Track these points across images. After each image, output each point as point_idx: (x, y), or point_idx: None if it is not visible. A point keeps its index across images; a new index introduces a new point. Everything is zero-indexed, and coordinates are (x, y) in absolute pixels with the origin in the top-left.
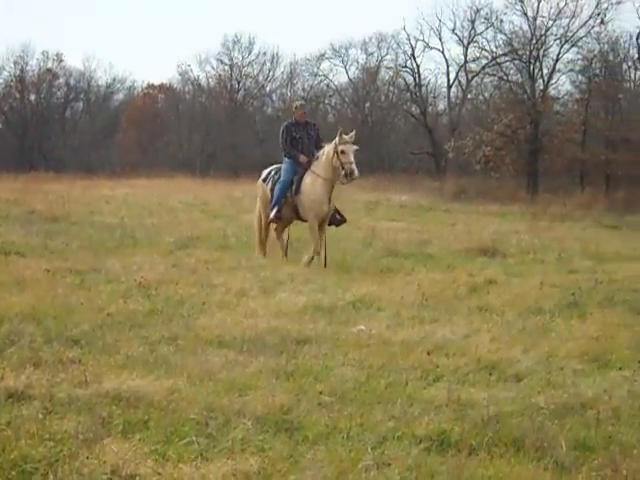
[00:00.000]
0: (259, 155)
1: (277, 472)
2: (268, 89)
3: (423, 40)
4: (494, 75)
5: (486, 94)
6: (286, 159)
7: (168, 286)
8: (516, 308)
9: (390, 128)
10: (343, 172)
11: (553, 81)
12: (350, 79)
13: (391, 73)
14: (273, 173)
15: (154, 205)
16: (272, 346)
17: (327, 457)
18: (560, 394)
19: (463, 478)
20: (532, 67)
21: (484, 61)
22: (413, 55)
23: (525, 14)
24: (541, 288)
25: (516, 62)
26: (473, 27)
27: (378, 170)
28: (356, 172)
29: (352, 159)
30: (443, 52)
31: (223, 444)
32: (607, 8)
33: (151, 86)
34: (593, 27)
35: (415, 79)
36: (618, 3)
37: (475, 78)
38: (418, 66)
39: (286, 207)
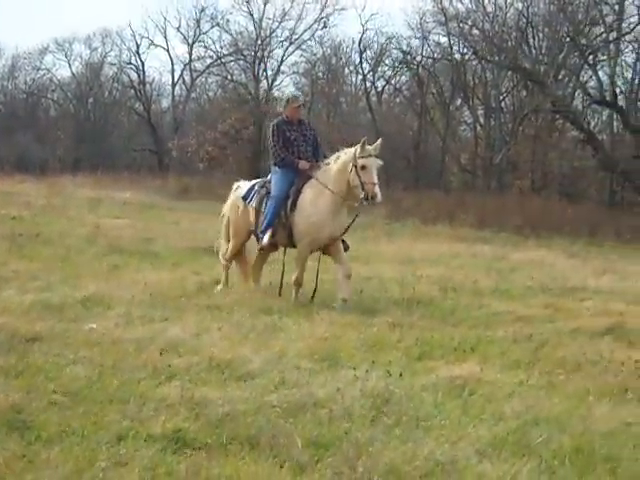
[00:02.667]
0: None
1: (11, 472)
2: None
3: (148, 37)
4: (219, 75)
5: (210, 93)
6: (276, 168)
7: None
8: (245, 307)
9: (113, 125)
10: (362, 194)
11: (277, 82)
12: (73, 74)
13: (115, 69)
14: (258, 187)
15: None
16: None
17: (62, 457)
18: (293, 393)
19: (201, 477)
20: (257, 68)
21: (209, 60)
22: (138, 52)
23: (251, 15)
24: (269, 288)
25: (241, 62)
26: (198, 26)
27: (100, 167)
28: (379, 197)
29: (375, 179)
30: (168, 50)
31: None
32: (331, 13)
33: None
34: (317, 31)
35: (140, 76)
36: (342, 9)
37: (200, 77)
38: (143, 63)
39: (279, 230)
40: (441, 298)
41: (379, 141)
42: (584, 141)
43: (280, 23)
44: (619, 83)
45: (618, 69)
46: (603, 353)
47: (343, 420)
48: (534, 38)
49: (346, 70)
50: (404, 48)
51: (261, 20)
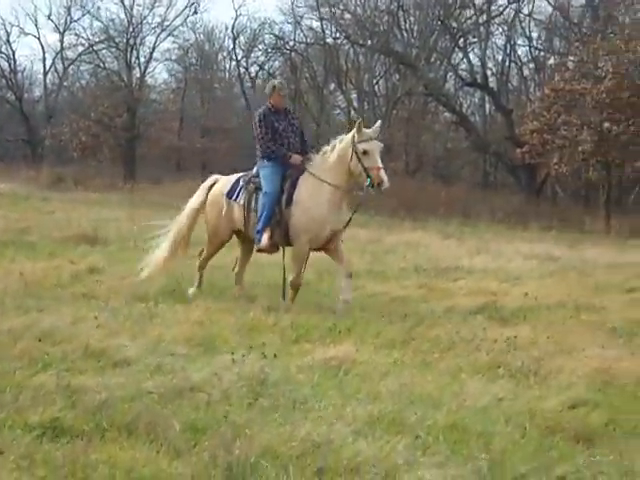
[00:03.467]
0: None
1: None
2: None
3: (18, 26)
4: (91, 63)
5: (83, 81)
6: (265, 161)
7: None
8: (121, 295)
9: None
10: (368, 181)
11: (150, 69)
12: None
13: None
14: (243, 183)
15: None
16: None
17: None
18: (170, 379)
19: (79, 464)
20: (129, 55)
21: (81, 48)
22: (8, 41)
23: (122, 2)
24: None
25: (113, 50)
26: (69, 14)
27: None
28: (386, 182)
29: (380, 162)
30: (39, 38)
31: None
32: None
33: None
34: (188, 17)
35: (10, 65)
36: None
37: (72, 65)
38: (14, 52)
39: (275, 228)
40: (317, 281)
41: (378, 123)
42: (457, 123)
43: (151, 10)
44: (490, 65)
45: (489, 51)
46: (476, 331)
47: (221, 404)
48: (405, 22)
49: (219, 56)
50: (277, 33)
51: (132, 7)
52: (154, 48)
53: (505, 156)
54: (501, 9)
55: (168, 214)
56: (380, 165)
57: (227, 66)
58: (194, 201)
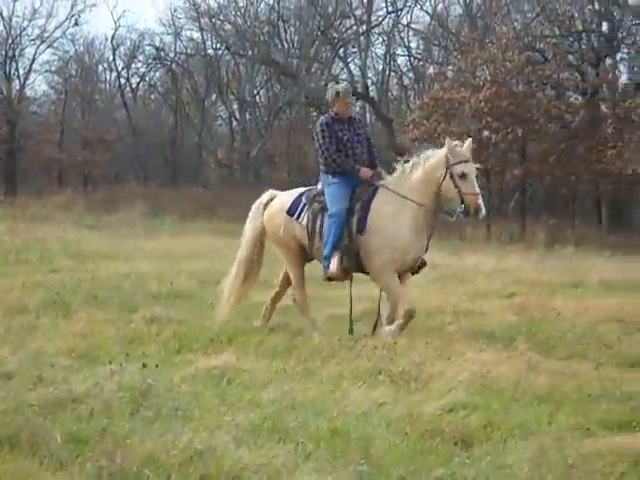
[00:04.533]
0: None
1: None
2: None
3: None
4: None
5: None
6: (330, 177)
7: None
8: (0, 308)
9: None
10: (462, 207)
11: (29, 81)
12: None
13: None
14: (306, 200)
15: None
16: None
17: None
18: (51, 390)
19: None
20: (8, 67)
21: None
22: None
23: (0, 14)
24: (24, 287)
25: None
26: None
27: None
28: (484, 210)
29: (478, 189)
30: None
31: None
32: (82, 10)
33: None
34: (69, 28)
35: None
36: (93, 5)
37: None
38: None
39: (344, 255)
40: (200, 291)
41: (469, 142)
42: None
43: (30, 21)
44: (370, 75)
45: (369, 61)
46: (357, 338)
47: (103, 415)
48: (286, 32)
49: (100, 67)
50: (157, 44)
51: (10, 18)
52: (34, 60)
53: (386, 164)
54: (380, 19)
55: (48, 225)
56: (479, 191)
57: (107, 77)
58: (252, 223)
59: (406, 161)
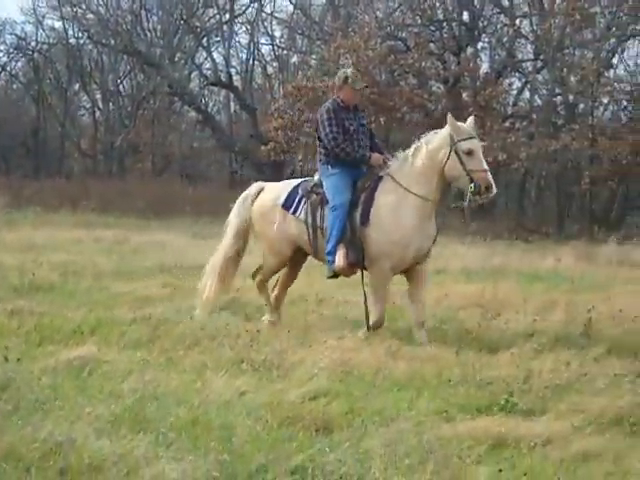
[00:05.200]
0: None
1: None
2: None
3: None
4: None
5: None
6: (330, 168)
7: None
8: None
9: None
10: (472, 187)
11: None
12: None
13: None
14: (303, 192)
15: None
16: None
17: None
18: None
19: None
20: None
21: None
22: None
23: None
24: None
25: None
26: None
27: None
28: (494, 186)
29: (485, 165)
30: None
31: None
32: None
33: None
34: None
35: None
36: None
37: None
38: None
39: (349, 249)
40: (62, 283)
41: (471, 119)
42: (202, 122)
43: None
44: (234, 64)
45: (232, 50)
46: (220, 328)
47: None
48: (149, 21)
49: None
50: (18, 33)
51: None
52: None
53: (251, 154)
54: (244, 8)
55: None
56: (487, 167)
57: None
58: (236, 215)
59: (407, 147)
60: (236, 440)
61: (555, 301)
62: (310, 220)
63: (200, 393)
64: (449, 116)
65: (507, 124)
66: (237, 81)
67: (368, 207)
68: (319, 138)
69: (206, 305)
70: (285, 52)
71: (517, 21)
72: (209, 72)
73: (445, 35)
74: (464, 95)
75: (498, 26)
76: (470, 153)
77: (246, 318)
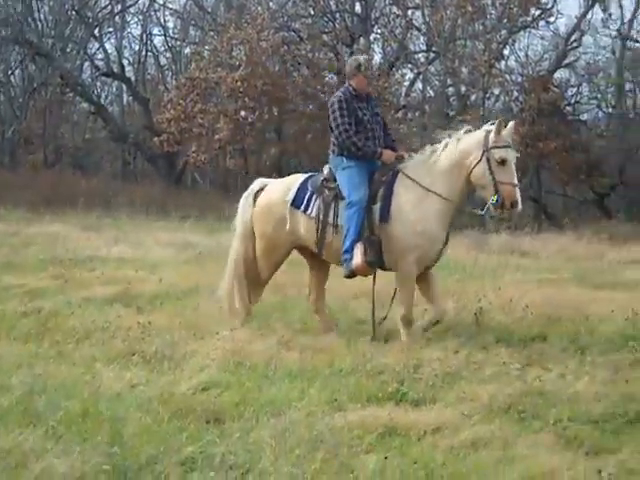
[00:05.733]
0: None
1: None
2: None
3: None
4: None
5: None
6: (345, 160)
7: None
8: None
9: None
10: (495, 199)
11: None
12: None
13: None
14: (313, 188)
15: None
16: None
17: None
18: None
19: None
20: None
21: None
22: None
23: None
24: None
25: None
26: None
27: None
28: (520, 204)
29: (516, 179)
30: None
31: None
32: None
33: None
34: None
35: None
36: None
37: None
38: None
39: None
40: None
41: (511, 125)
42: (94, 113)
43: None
44: (127, 55)
45: (125, 41)
46: (112, 320)
47: None
48: (40, 11)
49: None
50: None
51: None
52: None
53: (144, 145)
54: None
55: None
56: (517, 182)
57: None
58: (242, 217)
59: (433, 143)
60: (126, 433)
61: (446, 290)
62: (321, 217)
63: (90, 386)
64: (499, 121)
65: (400, 115)
66: (130, 72)
67: (388, 202)
68: (331, 128)
69: (239, 317)
70: (178, 43)
71: (409, 12)
72: (101, 63)
73: (338, 26)
74: None
75: (390, 17)
76: (502, 163)
77: (138, 310)
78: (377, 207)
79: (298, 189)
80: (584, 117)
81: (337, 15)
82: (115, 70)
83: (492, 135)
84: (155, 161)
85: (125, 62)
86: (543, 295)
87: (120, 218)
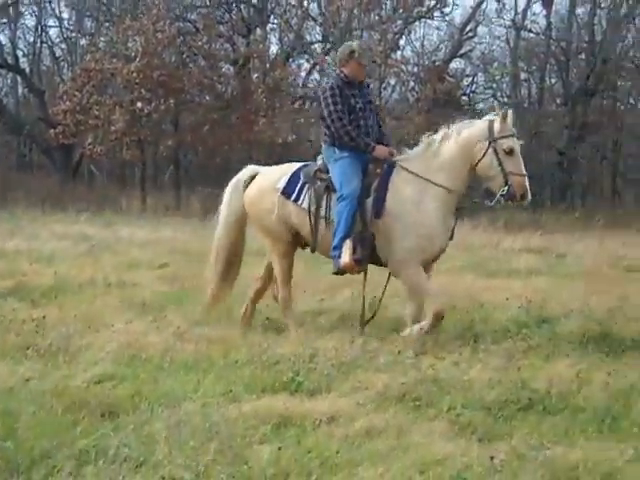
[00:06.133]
0: None
1: None
2: None
3: None
4: None
5: None
6: (337, 151)
7: None
8: None
9: None
10: (503, 189)
11: None
12: None
13: None
14: (306, 178)
15: None
16: None
17: None
18: None
19: None
20: None
21: None
22: None
23: None
24: None
25: None
26: None
27: None
28: (529, 194)
29: (524, 168)
30: None
31: None
32: None
33: None
34: None
35: None
36: None
37: None
38: None
39: (357, 243)
40: None
41: (511, 113)
42: None
43: None
44: (21, 46)
45: (19, 32)
46: (6, 313)
47: None
48: None
49: None
50: None
51: None
52: None
53: (40, 137)
54: None
55: None
56: (524, 172)
57: None
58: (227, 204)
59: (431, 134)
60: (19, 427)
61: (345, 280)
62: (314, 209)
63: None
64: (502, 110)
65: (296, 105)
66: (24, 64)
67: (382, 196)
68: (322, 117)
69: (209, 309)
70: (73, 34)
71: (305, 3)
72: None
73: (234, 17)
74: (254, 77)
75: (287, 8)
76: (510, 153)
77: (32, 303)
78: (370, 201)
79: (290, 178)
80: (479, 107)
81: (233, 5)
82: (9, 61)
83: (497, 125)
84: (51, 153)
85: (19, 53)
86: (438, 284)
87: (16, 211)
